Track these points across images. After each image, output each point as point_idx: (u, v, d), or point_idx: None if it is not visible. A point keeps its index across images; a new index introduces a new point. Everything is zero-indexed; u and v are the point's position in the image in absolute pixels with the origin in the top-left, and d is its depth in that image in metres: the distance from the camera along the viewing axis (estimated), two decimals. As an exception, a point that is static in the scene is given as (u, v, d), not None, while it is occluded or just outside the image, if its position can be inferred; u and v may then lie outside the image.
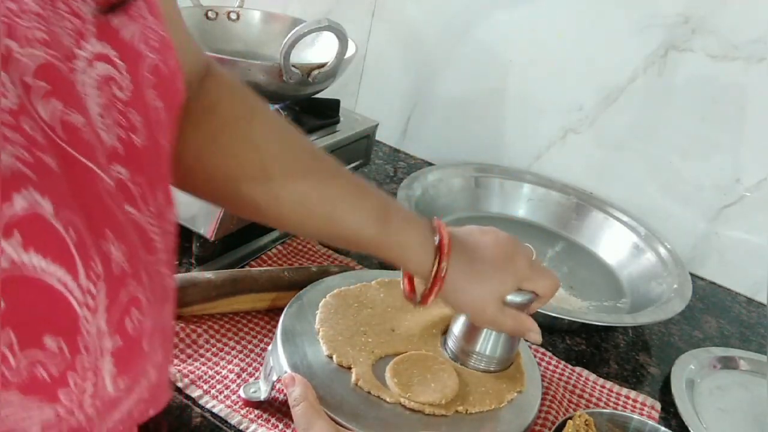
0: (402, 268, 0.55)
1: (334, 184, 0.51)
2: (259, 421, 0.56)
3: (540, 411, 0.61)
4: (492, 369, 0.60)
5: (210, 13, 0.94)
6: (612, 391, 0.69)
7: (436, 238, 0.51)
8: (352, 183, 0.52)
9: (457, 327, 0.60)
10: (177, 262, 0.73)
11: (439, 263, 0.51)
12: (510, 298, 0.54)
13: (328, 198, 0.50)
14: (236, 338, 0.64)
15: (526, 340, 0.62)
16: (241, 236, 0.76)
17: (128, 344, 0.26)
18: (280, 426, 0.56)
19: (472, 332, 0.59)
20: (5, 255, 0.21)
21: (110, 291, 0.25)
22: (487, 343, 0.59)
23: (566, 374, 0.69)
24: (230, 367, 0.60)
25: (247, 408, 0.57)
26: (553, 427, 0.58)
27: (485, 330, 0.58)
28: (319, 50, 0.90)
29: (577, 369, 0.71)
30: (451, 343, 0.61)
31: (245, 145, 0.49)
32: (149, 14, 0.33)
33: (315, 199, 0.50)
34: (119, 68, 0.30)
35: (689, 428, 0.65)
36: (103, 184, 0.27)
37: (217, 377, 0.59)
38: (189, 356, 0.61)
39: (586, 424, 0.58)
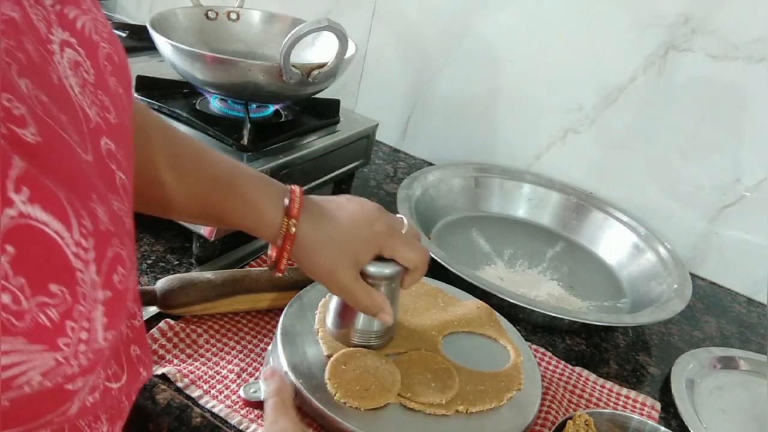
0: (255, 232, 0.53)
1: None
2: (259, 421, 0.56)
3: (540, 411, 0.61)
4: (373, 343, 0.59)
5: (210, 13, 0.94)
6: (612, 391, 0.69)
7: (287, 200, 0.51)
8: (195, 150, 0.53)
9: (333, 307, 0.59)
10: (179, 262, 0.73)
11: (288, 222, 0.51)
12: (370, 269, 0.53)
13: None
14: (236, 338, 0.64)
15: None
16: (241, 236, 0.76)
17: (116, 297, 0.28)
18: (280, 426, 0.56)
19: (345, 309, 0.58)
20: (15, 206, 0.23)
21: (98, 246, 0.27)
22: (363, 320, 0.58)
23: (566, 374, 0.69)
24: (230, 367, 0.60)
25: (247, 408, 0.57)
26: (553, 427, 0.58)
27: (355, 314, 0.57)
28: (319, 50, 0.90)
29: (577, 369, 0.71)
30: (329, 324, 0.60)
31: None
32: (94, 8, 0.36)
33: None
34: (81, 54, 0.33)
35: (689, 428, 0.65)
36: (81, 156, 0.29)
37: (217, 377, 0.59)
38: (189, 356, 0.61)
39: (586, 424, 0.58)
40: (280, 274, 0.54)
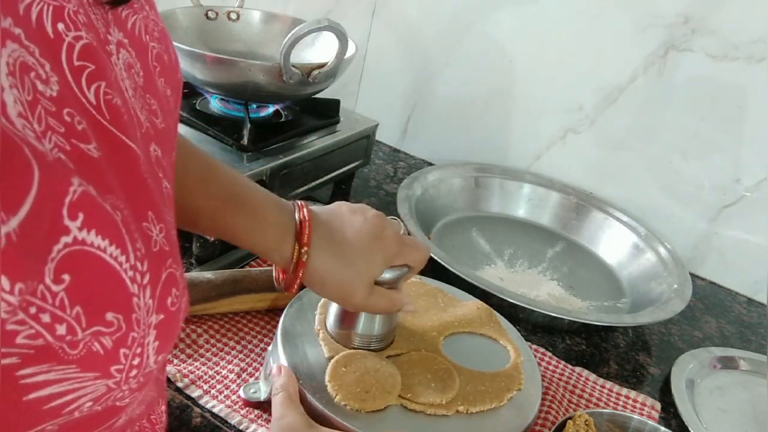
0: (264, 256, 0.52)
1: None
2: (259, 421, 0.56)
3: (540, 411, 0.61)
4: (374, 347, 0.59)
5: (210, 13, 0.94)
6: (612, 391, 0.69)
7: (297, 222, 0.49)
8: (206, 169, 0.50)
9: (333, 310, 0.59)
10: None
11: (299, 250, 0.48)
12: (385, 276, 0.53)
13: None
14: (236, 338, 0.64)
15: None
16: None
17: (168, 319, 0.28)
18: (280, 426, 0.56)
19: (347, 314, 0.57)
20: (71, 233, 0.22)
21: (153, 269, 0.26)
22: (364, 323, 0.57)
23: (566, 374, 0.69)
24: (230, 367, 0.60)
25: (247, 408, 0.57)
26: (553, 427, 0.58)
27: (360, 312, 0.57)
28: (319, 50, 0.90)
29: (577, 369, 0.71)
30: (330, 326, 0.59)
31: None
32: (147, 6, 0.35)
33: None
34: (132, 56, 0.32)
35: (689, 428, 0.65)
36: (143, 164, 0.28)
37: (217, 377, 0.59)
38: (189, 356, 0.61)
39: (586, 424, 0.58)
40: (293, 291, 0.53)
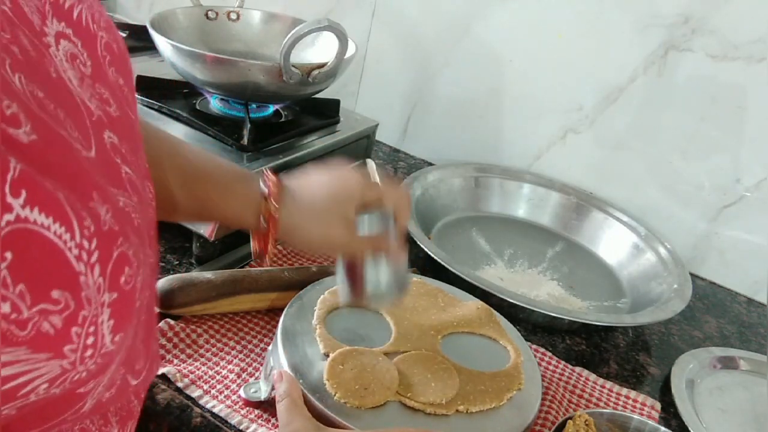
0: (239, 224, 0.55)
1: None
2: (259, 421, 0.56)
3: (540, 411, 0.61)
4: (389, 299, 0.57)
5: (210, 13, 0.94)
6: (612, 391, 0.69)
7: (263, 186, 0.53)
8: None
9: (339, 273, 0.58)
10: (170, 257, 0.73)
11: (268, 205, 0.52)
12: (361, 221, 0.54)
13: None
14: (236, 338, 0.64)
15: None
16: (241, 236, 0.76)
17: (123, 298, 0.28)
18: (280, 426, 0.56)
19: (351, 271, 0.57)
20: (13, 211, 0.22)
21: (102, 247, 0.26)
22: (370, 279, 0.56)
23: (566, 374, 0.69)
24: (230, 367, 0.60)
25: (247, 408, 0.57)
26: (553, 427, 0.58)
27: (361, 271, 0.56)
28: (319, 50, 0.90)
29: (577, 369, 0.71)
30: (341, 290, 0.59)
31: None
32: None
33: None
34: (77, 45, 0.32)
35: (689, 428, 0.65)
36: (81, 153, 0.28)
37: (217, 377, 0.59)
38: (189, 356, 0.61)
39: (586, 424, 0.58)
40: (267, 264, 0.55)
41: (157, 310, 0.64)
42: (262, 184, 0.53)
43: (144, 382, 0.39)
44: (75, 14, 0.32)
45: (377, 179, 0.57)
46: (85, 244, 0.25)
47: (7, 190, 0.22)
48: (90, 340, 0.26)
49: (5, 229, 0.22)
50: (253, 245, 0.55)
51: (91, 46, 0.33)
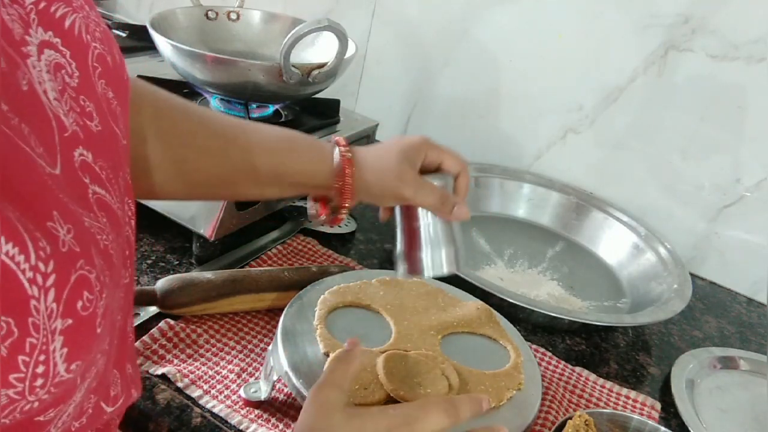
0: (312, 175, 0.56)
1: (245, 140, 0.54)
2: (259, 421, 0.56)
3: (540, 411, 0.61)
4: (445, 268, 0.57)
5: (210, 13, 0.94)
6: (612, 391, 0.69)
7: (332, 137, 0.57)
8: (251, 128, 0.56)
9: (398, 244, 0.58)
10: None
11: (342, 150, 0.55)
12: (425, 179, 0.55)
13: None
14: (236, 338, 0.64)
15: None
16: (241, 236, 0.76)
17: (79, 324, 0.26)
18: (280, 426, 0.55)
19: (411, 237, 0.57)
20: None
21: (60, 270, 0.25)
22: (427, 239, 0.57)
23: (566, 374, 0.69)
24: (230, 367, 0.60)
25: (247, 408, 0.57)
26: (553, 427, 0.58)
27: (420, 226, 0.56)
28: (319, 50, 0.90)
29: (577, 369, 0.71)
30: (400, 265, 0.58)
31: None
32: (87, 6, 0.34)
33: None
34: (65, 56, 0.31)
35: (689, 428, 0.65)
36: (44, 170, 0.27)
37: (217, 377, 0.59)
38: (189, 356, 0.61)
39: (586, 424, 0.58)
40: (341, 219, 0.57)
41: (155, 310, 0.64)
42: (332, 136, 0.56)
43: (122, 407, 0.37)
44: (67, 23, 0.31)
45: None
46: (41, 266, 0.24)
47: None
48: (40, 369, 0.25)
49: None
50: (313, 208, 0.58)
51: (82, 57, 0.32)
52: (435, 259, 0.57)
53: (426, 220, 0.57)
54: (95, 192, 0.31)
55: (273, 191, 0.57)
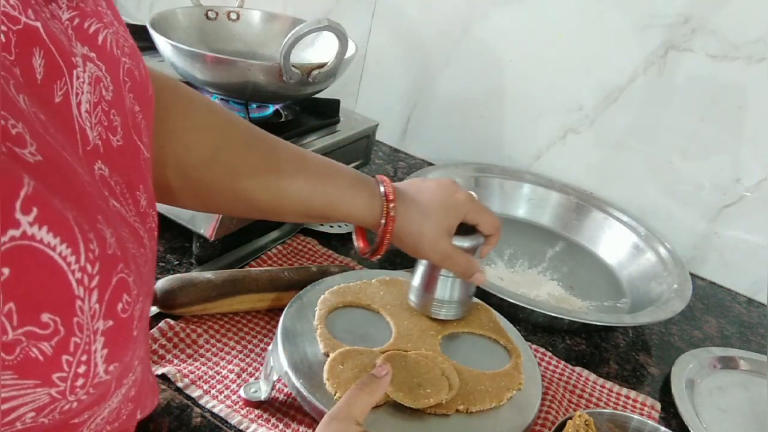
0: (355, 222, 0.58)
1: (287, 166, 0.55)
2: (259, 421, 0.56)
3: (540, 411, 0.61)
4: (452, 315, 0.64)
5: (210, 13, 0.94)
6: (612, 391, 0.69)
7: (382, 188, 0.56)
8: (297, 157, 0.55)
9: (416, 279, 0.63)
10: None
11: (387, 205, 0.55)
12: (457, 242, 0.58)
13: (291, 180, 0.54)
14: (236, 338, 0.64)
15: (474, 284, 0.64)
16: (241, 236, 0.76)
17: (119, 326, 0.26)
18: (280, 426, 0.56)
19: (430, 281, 0.62)
20: (20, 227, 0.21)
21: (104, 272, 0.25)
22: (444, 289, 0.62)
23: (566, 374, 0.69)
24: (230, 367, 0.60)
25: (247, 408, 0.57)
26: (553, 427, 0.58)
27: (440, 276, 0.61)
28: (319, 50, 0.90)
29: (577, 369, 0.71)
30: (413, 295, 0.64)
31: (193, 132, 0.50)
32: (117, 22, 0.34)
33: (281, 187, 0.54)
34: (102, 69, 0.31)
35: (689, 428, 0.65)
36: (84, 178, 0.27)
37: (217, 377, 0.59)
38: (189, 356, 0.61)
39: (586, 424, 0.58)
40: (379, 257, 0.59)
41: (155, 310, 0.64)
42: (381, 187, 0.56)
43: (147, 414, 0.38)
44: (100, 39, 0.32)
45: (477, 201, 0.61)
46: (89, 267, 0.24)
47: (17, 206, 0.21)
48: (81, 369, 0.25)
49: (7, 245, 0.21)
50: (357, 244, 0.60)
51: (114, 72, 0.32)
52: (447, 310, 0.63)
53: (447, 274, 0.61)
54: (114, 205, 0.31)
55: (313, 221, 0.59)
